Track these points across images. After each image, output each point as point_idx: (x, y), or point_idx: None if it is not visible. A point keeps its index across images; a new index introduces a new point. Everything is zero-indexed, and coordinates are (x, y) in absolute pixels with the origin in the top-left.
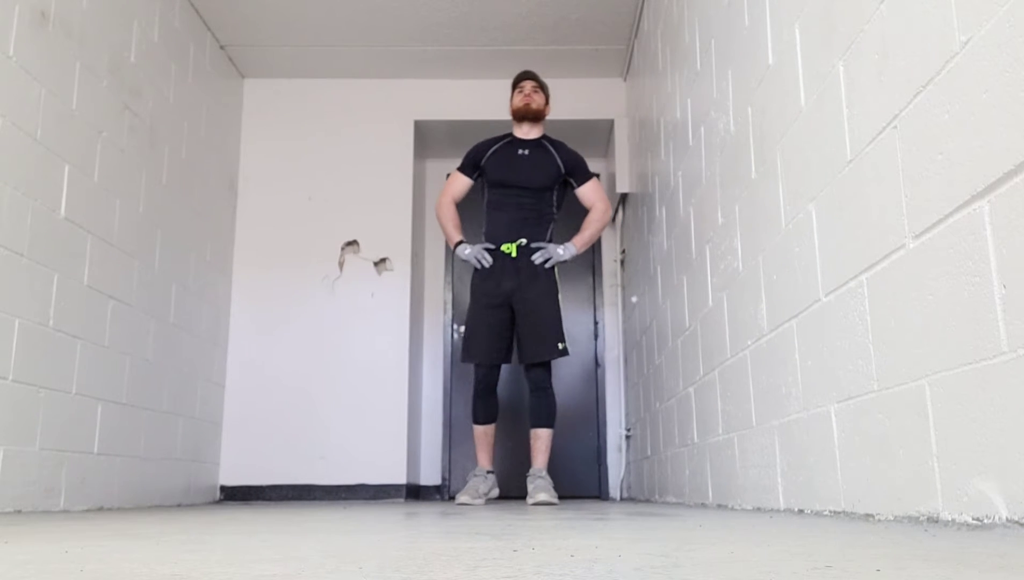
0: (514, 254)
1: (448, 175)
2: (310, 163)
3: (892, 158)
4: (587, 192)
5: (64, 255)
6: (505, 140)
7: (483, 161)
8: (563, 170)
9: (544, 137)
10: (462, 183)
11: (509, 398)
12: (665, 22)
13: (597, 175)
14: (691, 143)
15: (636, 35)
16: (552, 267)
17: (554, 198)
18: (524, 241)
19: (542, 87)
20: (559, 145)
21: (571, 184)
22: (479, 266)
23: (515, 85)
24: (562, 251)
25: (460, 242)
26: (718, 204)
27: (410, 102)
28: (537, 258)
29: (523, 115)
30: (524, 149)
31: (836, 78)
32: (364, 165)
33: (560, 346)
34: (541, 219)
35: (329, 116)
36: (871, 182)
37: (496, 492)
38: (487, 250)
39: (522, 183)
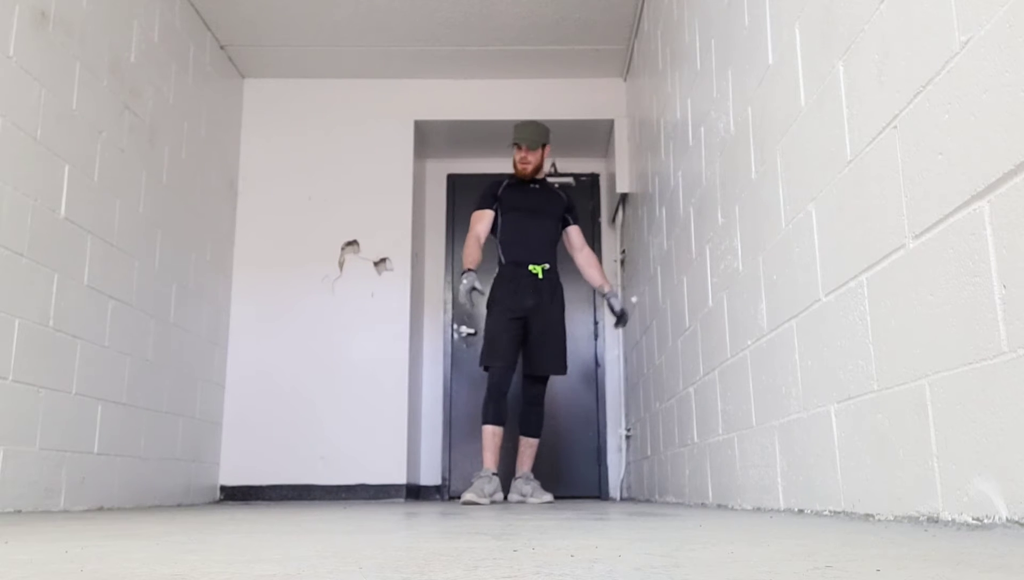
0: (540, 275)
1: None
2: (310, 163)
3: (892, 158)
4: (576, 233)
5: (64, 255)
6: (513, 179)
7: (499, 192)
8: (566, 204)
9: (544, 179)
10: (487, 217)
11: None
12: (665, 22)
13: None
14: (691, 143)
15: (636, 35)
16: (562, 290)
17: (559, 230)
18: (548, 266)
19: (537, 137)
20: (559, 187)
21: (567, 220)
22: (464, 305)
23: (514, 141)
24: (623, 300)
25: (468, 270)
26: (718, 204)
27: (410, 102)
28: (621, 325)
29: (525, 176)
30: (534, 185)
31: (836, 78)
32: (364, 165)
33: (565, 364)
34: (553, 245)
35: (329, 116)
36: (871, 182)
37: (500, 495)
38: (474, 291)
39: (537, 210)
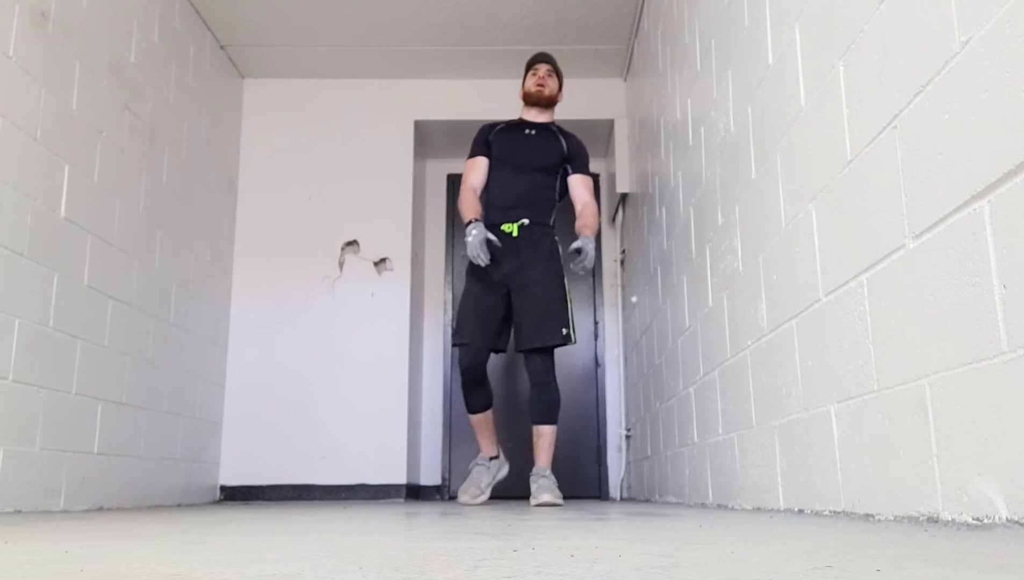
0: (515, 233)
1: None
2: (310, 163)
3: (892, 158)
4: (579, 181)
5: (64, 255)
6: (513, 122)
7: (491, 137)
8: (565, 154)
9: (552, 124)
10: (481, 165)
11: (507, 392)
12: (665, 22)
13: (596, 175)
14: (691, 143)
15: (636, 35)
16: (556, 248)
17: (556, 184)
18: (526, 221)
19: (557, 72)
20: (567, 134)
21: (567, 170)
22: (476, 260)
23: (529, 66)
24: (589, 245)
25: (472, 221)
26: (718, 204)
27: (410, 102)
28: (583, 268)
29: (535, 100)
30: (531, 130)
31: (836, 78)
32: (364, 165)
33: (564, 331)
34: (542, 202)
35: (329, 116)
36: (871, 182)
37: (505, 472)
38: (490, 242)
39: (524, 162)
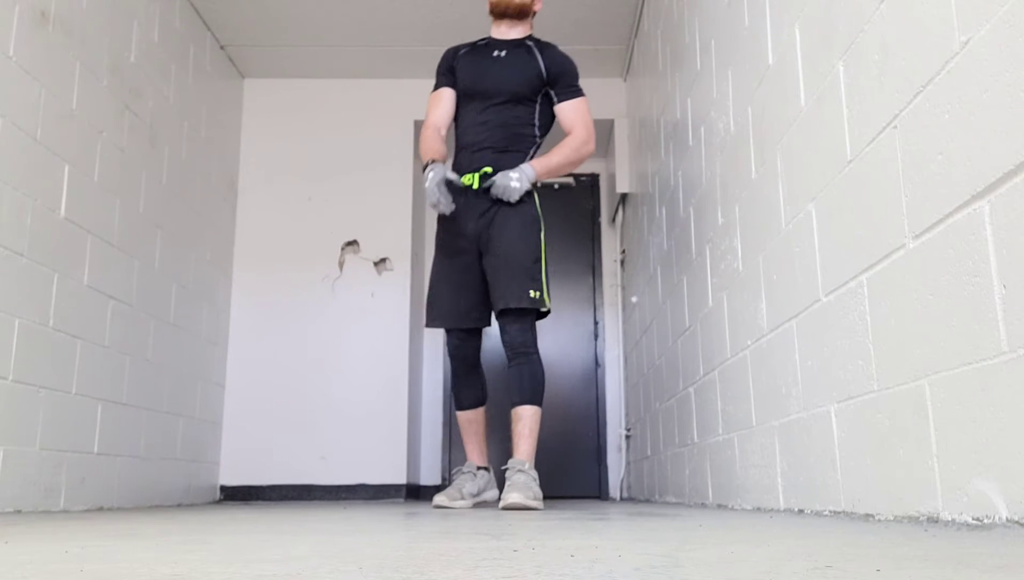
0: (475, 186)
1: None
2: (310, 163)
3: (892, 158)
4: (568, 111)
5: (64, 255)
6: (480, 42)
7: (455, 62)
8: (544, 75)
9: (529, 38)
10: (445, 98)
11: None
12: (665, 22)
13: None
14: (691, 143)
15: (636, 35)
16: (532, 196)
17: (535, 116)
18: (489, 169)
19: None
20: (546, 47)
21: (551, 96)
22: (436, 207)
23: None
24: (516, 179)
25: (431, 162)
26: (718, 204)
27: (410, 102)
28: (499, 194)
29: (502, 10)
30: (500, 50)
31: (836, 78)
32: (364, 165)
33: (533, 293)
34: (516, 140)
35: (329, 116)
36: (871, 182)
37: (494, 493)
38: (451, 184)
39: (490, 91)
